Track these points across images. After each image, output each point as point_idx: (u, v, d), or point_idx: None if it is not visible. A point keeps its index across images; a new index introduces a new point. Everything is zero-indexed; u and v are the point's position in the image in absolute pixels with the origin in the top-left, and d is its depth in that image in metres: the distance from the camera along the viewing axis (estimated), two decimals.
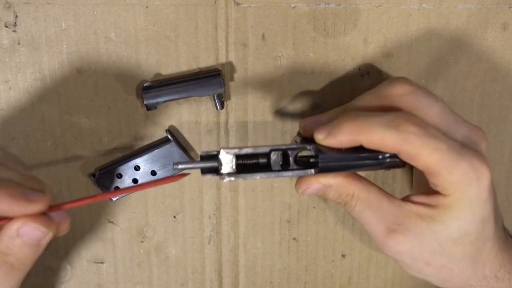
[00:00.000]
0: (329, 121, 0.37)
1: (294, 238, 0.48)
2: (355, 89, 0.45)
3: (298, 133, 0.42)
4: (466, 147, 0.36)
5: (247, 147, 0.36)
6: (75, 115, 0.44)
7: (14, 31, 0.42)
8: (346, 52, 0.44)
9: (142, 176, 0.45)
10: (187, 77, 0.43)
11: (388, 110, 0.37)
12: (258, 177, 0.36)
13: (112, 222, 0.47)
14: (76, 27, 0.42)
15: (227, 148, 0.36)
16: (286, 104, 0.45)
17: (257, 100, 0.45)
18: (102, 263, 0.47)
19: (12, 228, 0.33)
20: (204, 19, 0.42)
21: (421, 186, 0.39)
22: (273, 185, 0.47)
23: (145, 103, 0.42)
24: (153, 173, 0.45)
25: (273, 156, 0.36)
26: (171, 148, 0.44)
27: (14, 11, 0.41)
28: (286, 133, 0.45)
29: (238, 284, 0.49)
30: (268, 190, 0.47)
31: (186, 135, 0.45)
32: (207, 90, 0.42)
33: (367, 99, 0.38)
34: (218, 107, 0.43)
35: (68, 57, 0.43)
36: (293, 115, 0.45)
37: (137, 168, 0.44)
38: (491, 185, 0.36)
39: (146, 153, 0.44)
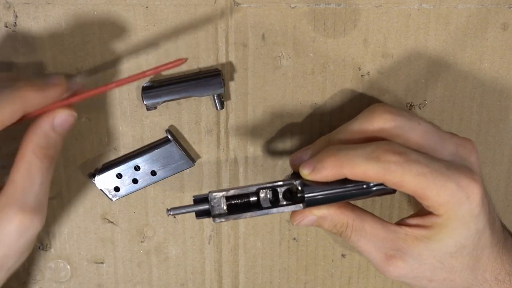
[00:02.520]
0: (313, 155, 0.39)
1: (294, 238, 0.48)
2: (355, 89, 0.45)
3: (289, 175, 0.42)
4: (453, 167, 0.36)
5: (234, 188, 0.38)
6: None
7: (14, 31, 0.42)
8: (346, 52, 0.44)
9: (142, 176, 0.45)
10: (187, 77, 0.43)
11: (370, 137, 0.38)
12: (248, 216, 0.38)
13: (112, 222, 0.47)
14: (76, 27, 0.42)
15: (215, 191, 0.37)
16: (286, 104, 0.45)
17: (257, 100, 0.45)
18: (102, 263, 0.47)
19: (47, 122, 0.37)
20: (204, 19, 0.42)
21: (418, 204, 0.40)
22: None
23: (145, 103, 0.42)
24: (153, 173, 0.45)
25: (262, 194, 0.38)
26: (171, 148, 0.44)
27: (14, 11, 0.41)
28: (286, 134, 0.45)
29: (238, 284, 0.49)
30: None
31: (186, 135, 0.45)
32: (207, 90, 0.42)
33: (348, 131, 0.39)
34: (218, 107, 0.43)
35: (68, 57, 0.43)
36: (293, 116, 0.45)
37: (137, 168, 0.44)
38: (483, 199, 0.36)
39: (146, 153, 0.44)
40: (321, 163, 0.37)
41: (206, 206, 0.38)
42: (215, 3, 0.42)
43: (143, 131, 0.45)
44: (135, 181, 0.45)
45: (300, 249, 0.48)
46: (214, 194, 0.37)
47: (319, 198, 0.37)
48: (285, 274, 0.49)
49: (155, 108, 0.43)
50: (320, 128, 0.45)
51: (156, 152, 0.44)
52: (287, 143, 0.46)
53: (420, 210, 0.39)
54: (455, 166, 0.36)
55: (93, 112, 0.44)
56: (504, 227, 0.41)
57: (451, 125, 0.46)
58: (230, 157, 0.46)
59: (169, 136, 0.44)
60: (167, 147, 0.44)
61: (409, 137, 0.37)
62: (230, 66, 0.44)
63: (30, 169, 0.36)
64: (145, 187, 0.45)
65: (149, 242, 0.47)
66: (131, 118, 0.44)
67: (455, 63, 0.44)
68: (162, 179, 0.45)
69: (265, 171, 0.46)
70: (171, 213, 0.38)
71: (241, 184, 0.47)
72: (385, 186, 0.37)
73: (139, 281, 0.48)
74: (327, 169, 0.36)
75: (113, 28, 0.42)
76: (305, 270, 0.49)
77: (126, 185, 0.45)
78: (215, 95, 0.43)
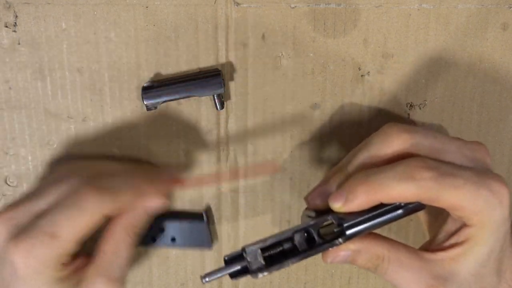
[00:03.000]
0: (337, 188, 0.37)
1: None
2: (355, 89, 0.45)
3: (306, 209, 0.41)
4: (480, 173, 0.35)
5: (270, 237, 0.35)
6: (75, 115, 0.44)
7: (14, 31, 0.42)
8: (346, 52, 0.44)
9: (162, 238, 0.46)
10: (187, 77, 0.43)
11: (391, 160, 0.36)
12: (290, 263, 0.35)
13: None
14: (76, 27, 0.42)
15: (251, 244, 0.35)
16: (286, 104, 0.45)
17: (257, 100, 0.45)
18: None
19: (143, 206, 0.41)
20: (204, 19, 0.42)
21: (435, 227, 0.39)
22: (273, 185, 0.47)
23: (145, 103, 0.42)
24: (173, 239, 0.46)
25: (297, 238, 0.36)
26: (201, 227, 0.46)
27: (14, 11, 0.41)
28: (286, 134, 0.45)
29: (238, 284, 0.49)
30: (268, 190, 0.47)
31: (186, 135, 0.45)
32: (207, 90, 0.42)
33: (367, 158, 0.37)
34: (218, 107, 0.43)
35: (68, 57, 0.43)
36: (293, 116, 0.45)
37: (161, 229, 0.46)
38: (511, 201, 0.36)
39: (177, 220, 0.45)
40: (352, 193, 0.35)
41: (238, 266, 0.35)
42: (215, 3, 0.42)
43: (143, 131, 0.45)
44: (153, 239, 0.46)
45: None
46: (249, 248, 0.35)
47: (358, 229, 0.35)
48: (285, 274, 0.49)
49: (155, 108, 0.43)
50: (320, 128, 0.45)
51: (186, 223, 0.46)
52: (287, 143, 0.46)
53: (448, 229, 0.37)
54: (482, 172, 0.36)
55: (93, 112, 0.44)
56: None
57: (451, 125, 0.46)
58: (230, 157, 0.46)
59: (205, 217, 0.46)
60: (198, 224, 0.46)
61: (430, 152, 0.36)
62: (230, 66, 0.44)
63: (119, 243, 0.39)
64: (158, 248, 0.46)
65: None
66: (131, 118, 0.44)
67: (455, 63, 0.44)
68: (178, 247, 0.46)
69: None
70: (207, 280, 0.35)
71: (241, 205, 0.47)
72: (418, 203, 0.36)
73: (139, 281, 0.48)
74: (360, 197, 0.35)
75: (113, 28, 0.42)
76: (305, 270, 0.49)
77: (144, 240, 0.45)
78: (215, 95, 0.43)
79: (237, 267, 0.35)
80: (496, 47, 0.44)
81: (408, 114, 0.45)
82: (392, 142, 0.37)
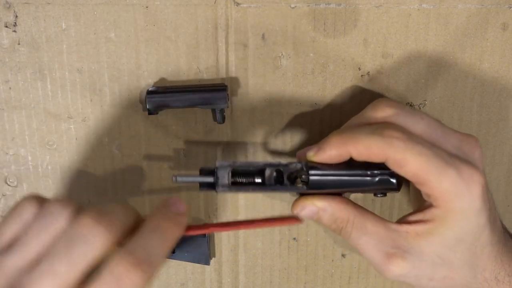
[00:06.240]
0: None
1: (294, 238, 0.48)
2: (355, 89, 0.45)
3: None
4: (455, 156, 0.36)
5: (243, 162, 0.38)
6: (75, 115, 0.44)
7: (14, 31, 0.42)
8: (346, 52, 0.44)
9: None
10: (193, 87, 0.43)
11: None
12: (250, 190, 0.38)
13: None
14: (76, 27, 0.42)
15: (223, 160, 0.38)
16: (286, 104, 0.45)
17: (257, 100, 0.45)
18: None
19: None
20: (204, 19, 0.42)
21: (416, 204, 0.40)
22: None
23: (148, 107, 0.42)
24: (172, 251, 0.46)
25: (267, 172, 0.38)
26: (202, 242, 0.46)
27: (14, 11, 0.41)
28: (286, 134, 0.45)
29: (238, 284, 0.49)
30: None
31: (186, 135, 0.45)
32: (211, 104, 0.42)
33: (353, 122, 0.40)
34: (218, 120, 0.43)
35: (68, 57, 0.43)
36: (293, 116, 0.45)
37: None
38: (485, 192, 0.36)
39: None
40: (326, 143, 0.37)
41: (211, 179, 0.37)
42: (215, 3, 0.42)
43: (143, 131, 0.45)
44: None
45: (300, 249, 0.48)
46: (221, 163, 0.37)
47: (323, 179, 0.37)
48: (285, 274, 0.49)
49: (157, 113, 0.43)
50: (320, 128, 0.45)
51: (187, 237, 0.45)
52: (287, 143, 0.46)
53: (420, 207, 0.38)
54: (458, 157, 0.36)
55: (93, 112, 0.44)
56: (504, 229, 0.41)
57: (451, 125, 0.46)
58: (230, 157, 0.46)
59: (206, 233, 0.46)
60: (199, 238, 0.46)
61: (411, 129, 0.37)
62: (230, 66, 0.44)
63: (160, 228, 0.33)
64: None
65: None
66: (131, 118, 0.44)
67: (455, 63, 0.45)
68: (175, 259, 0.47)
69: None
70: (177, 179, 0.37)
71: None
72: (389, 178, 0.37)
73: None
74: (331, 147, 0.37)
75: (113, 28, 0.42)
76: (305, 270, 0.49)
77: None
78: (217, 109, 0.43)
79: (208, 180, 0.37)
80: (496, 47, 0.44)
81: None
82: (377, 111, 0.38)
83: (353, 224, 0.38)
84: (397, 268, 0.37)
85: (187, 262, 0.48)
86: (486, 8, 0.43)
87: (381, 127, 0.36)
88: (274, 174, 0.38)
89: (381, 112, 0.38)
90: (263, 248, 0.48)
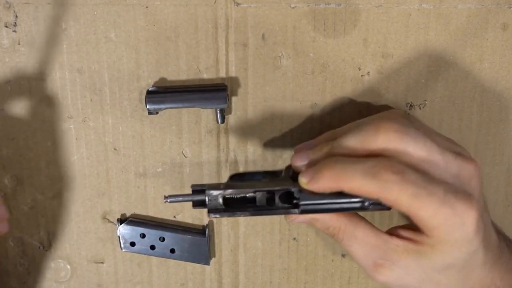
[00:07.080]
0: (312, 161, 0.39)
1: (294, 238, 0.48)
2: (355, 89, 0.45)
3: (290, 165, 0.42)
4: (451, 191, 0.35)
5: (232, 187, 0.38)
6: (75, 115, 0.44)
7: (14, 31, 0.42)
8: (346, 52, 0.44)
9: (161, 247, 0.46)
10: (193, 87, 0.43)
11: (373, 153, 0.37)
12: (242, 215, 0.38)
13: (112, 222, 0.47)
14: (76, 27, 0.42)
15: (213, 187, 0.38)
16: (286, 104, 0.45)
17: (257, 100, 0.45)
18: (102, 263, 0.47)
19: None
20: (204, 19, 0.42)
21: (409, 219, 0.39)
22: None
23: (147, 107, 0.42)
24: (172, 250, 0.46)
25: (258, 195, 0.38)
26: (201, 241, 0.46)
27: (14, 11, 0.41)
28: (286, 134, 0.45)
29: (238, 284, 0.49)
30: None
31: (186, 135, 0.45)
32: (211, 104, 0.42)
33: (352, 140, 0.38)
34: (219, 121, 0.43)
35: (68, 57, 0.43)
36: (293, 116, 0.45)
37: (161, 239, 0.46)
38: (479, 224, 0.36)
39: (177, 232, 0.46)
40: (319, 174, 0.37)
41: (203, 197, 0.38)
42: (215, 3, 0.42)
43: (143, 131, 0.45)
44: (152, 247, 0.46)
45: (300, 249, 0.48)
46: (211, 192, 0.37)
47: (314, 208, 0.38)
48: (285, 274, 0.49)
49: (157, 113, 0.43)
50: (320, 128, 0.45)
51: (187, 236, 0.46)
52: (287, 143, 0.46)
53: (413, 223, 0.38)
54: (454, 190, 0.36)
55: (93, 112, 0.44)
56: (500, 237, 0.41)
57: (451, 125, 0.46)
58: (230, 157, 0.46)
59: (206, 232, 0.46)
60: (199, 238, 0.46)
61: (412, 157, 0.36)
62: (230, 67, 0.44)
63: None
64: (157, 257, 0.47)
65: None
66: (131, 118, 0.44)
67: (455, 63, 0.44)
68: (175, 259, 0.47)
69: None
70: (168, 200, 0.38)
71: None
72: (380, 203, 0.37)
73: (139, 281, 0.48)
74: (324, 181, 0.37)
75: (113, 28, 0.42)
76: (305, 270, 0.49)
77: (142, 246, 0.46)
78: (217, 109, 0.43)
79: (199, 198, 0.38)
80: (496, 47, 0.44)
81: (408, 114, 0.45)
82: (378, 137, 0.37)
83: (344, 232, 0.39)
84: (384, 278, 0.38)
85: (187, 262, 0.48)
86: (486, 8, 0.43)
87: (376, 166, 0.35)
88: (266, 195, 0.38)
89: (382, 140, 0.37)
90: (263, 248, 0.48)
